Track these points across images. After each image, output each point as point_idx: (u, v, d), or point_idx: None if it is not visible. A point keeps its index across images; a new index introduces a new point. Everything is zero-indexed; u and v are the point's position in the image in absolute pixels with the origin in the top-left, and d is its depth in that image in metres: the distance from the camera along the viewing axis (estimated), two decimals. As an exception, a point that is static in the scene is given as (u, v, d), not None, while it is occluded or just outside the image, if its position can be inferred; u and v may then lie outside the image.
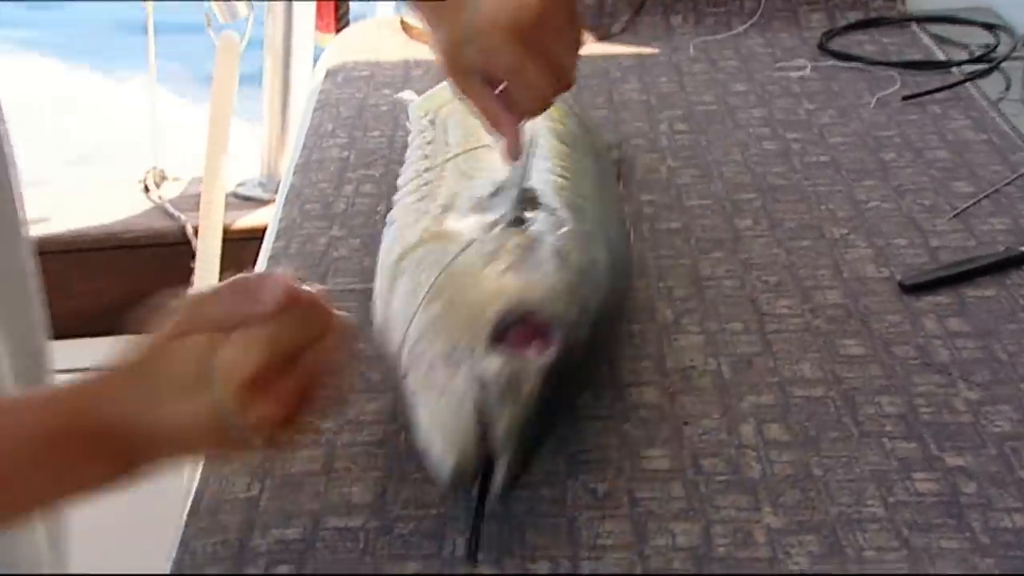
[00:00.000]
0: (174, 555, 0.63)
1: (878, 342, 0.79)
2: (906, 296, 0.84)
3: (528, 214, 0.77)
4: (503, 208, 0.77)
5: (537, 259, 0.71)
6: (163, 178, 1.82)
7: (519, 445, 0.62)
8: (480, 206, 0.79)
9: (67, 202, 1.73)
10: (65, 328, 1.66)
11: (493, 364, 0.63)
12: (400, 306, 0.70)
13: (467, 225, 0.76)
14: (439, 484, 0.62)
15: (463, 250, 0.72)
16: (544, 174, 0.84)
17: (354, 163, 1.08)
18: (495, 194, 0.80)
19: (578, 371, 0.68)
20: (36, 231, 1.64)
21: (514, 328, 0.66)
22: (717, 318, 0.83)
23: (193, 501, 0.67)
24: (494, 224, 0.75)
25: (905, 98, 1.14)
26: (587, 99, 1.18)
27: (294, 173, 1.07)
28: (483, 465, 0.61)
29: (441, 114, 0.97)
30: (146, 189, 1.78)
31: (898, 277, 0.86)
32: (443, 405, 0.62)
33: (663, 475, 0.68)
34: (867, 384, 0.75)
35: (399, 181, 0.89)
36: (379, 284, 0.75)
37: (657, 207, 0.98)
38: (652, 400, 0.74)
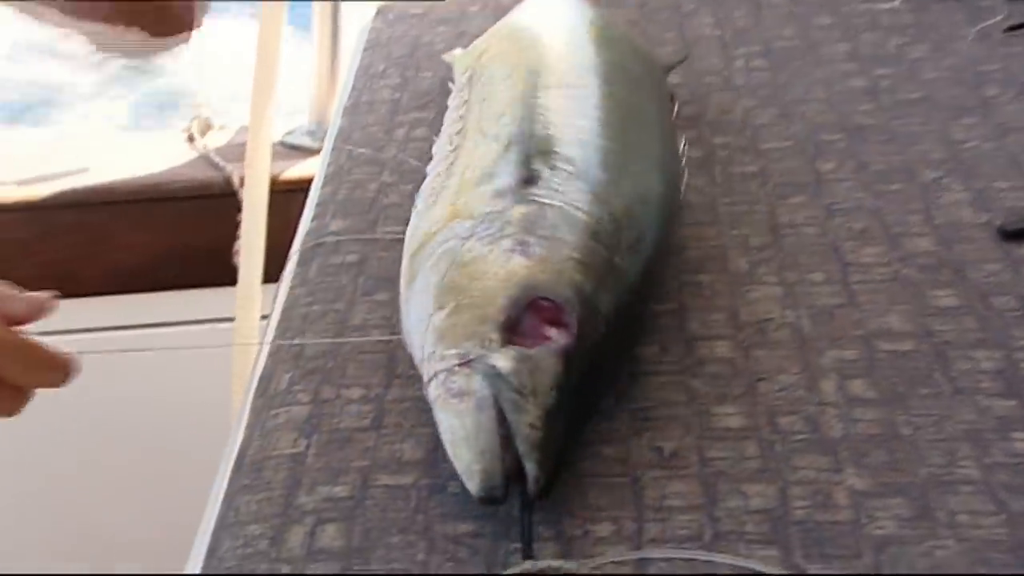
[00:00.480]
0: (217, 511, 0.64)
1: (974, 293, 0.76)
2: (1006, 243, 0.81)
3: (542, 170, 0.74)
4: (511, 169, 0.74)
5: (544, 229, 0.69)
6: (208, 126, 1.83)
7: (545, 446, 0.60)
8: (491, 171, 0.76)
9: (107, 152, 1.75)
10: (105, 284, 1.70)
11: (505, 361, 0.62)
12: (416, 311, 0.68)
13: (478, 200, 0.73)
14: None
15: (470, 234, 0.70)
16: (560, 113, 0.81)
17: (406, 105, 1.07)
18: (505, 152, 0.77)
19: (610, 348, 0.67)
20: (74, 182, 1.67)
21: (525, 317, 0.64)
22: (796, 268, 0.81)
23: (237, 457, 0.68)
24: (503, 192, 0.73)
25: (1008, 29, 1.10)
26: (655, 34, 1.16)
27: (342, 116, 1.07)
28: (515, 473, 0.60)
29: (478, 68, 0.94)
30: (190, 138, 1.80)
31: (997, 223, 0.83)
32: (463, 415, 0.61)
33: (735, 433, 0.66)
34: (961, 337, 0.72)
35: (433, 149, 0.87)
36: (401, 288, 0.72)
37: (731, 150, 0.96)
38: (724, 355, 0.73)
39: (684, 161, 0.85)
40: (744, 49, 1.12)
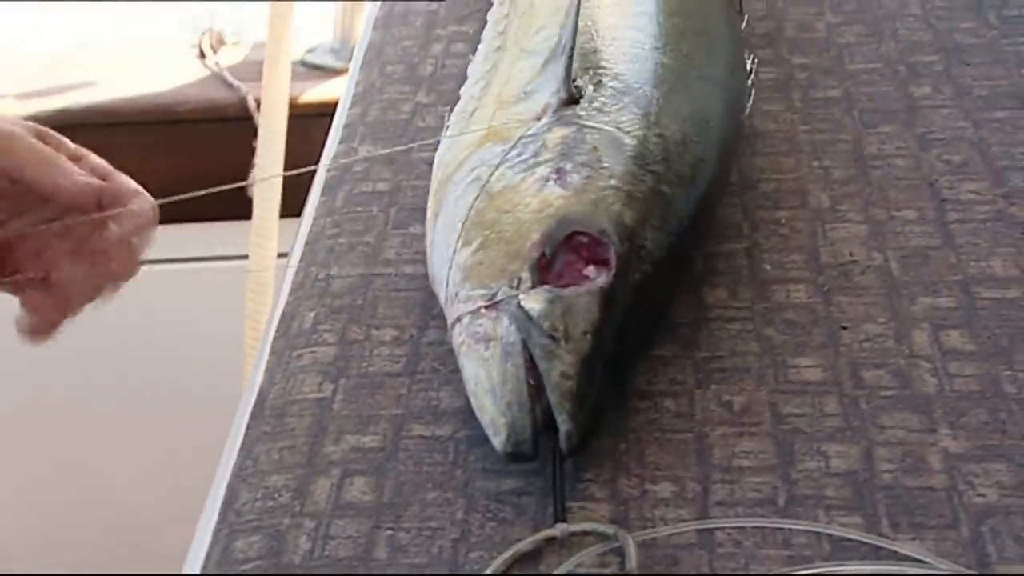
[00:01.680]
0: (234, 461, 0.64)
1: (1090, 235, 0.74)
2: None
3: (585, 87, 0.73)
4: (552, 86, 0.73)
5: (584, 154, 0.67)
6: (221, 42, 1.82)
7: (579, 397, 0.59)
8: (528, 90, 0.75)
9: (113, 65, 1.74)
10: (107, 215, 1.70)
11: (536, 302, 0.61)
12: (441, 247, 0.67)
13: (513, 122, 0.72)
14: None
15: (502, 161, 0.68)
16: (607, 23, 0.79)
17: (444, 17, 1.06)
18: (544, 68, 0.76)
19: (657, 289, 0.65)
20: (79, 98, 1.67)
21: (561, 253, 0.63)
22: (885, 204, 0.79)
23: (256, 401, 0.68)
24: (540, 113, 0.71)
25: None
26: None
27: (373, 28, 1.05)
28: (545, 427, 0.59)
29: None
30: (201, 54, 1.78)
31: (1118, 157, 0.80)
32: (488, 363, 0.60)
33: (814, 388, 0.65)
34: (1075, 286, 0.71)
35: (468, 69, 0.86)
36: (427, 223, 0.71)
37: (812, 72, 0.93)
38: (802, 300, 0.72)
39: (752, 82, 0.83)
40: (828, -42, 1.09)
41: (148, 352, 1.71)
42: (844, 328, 0.69)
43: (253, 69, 1.70)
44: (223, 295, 1.56)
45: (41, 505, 1.78)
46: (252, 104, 1.65)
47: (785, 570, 0.55)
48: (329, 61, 1.79)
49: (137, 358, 1.72)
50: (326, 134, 0.95)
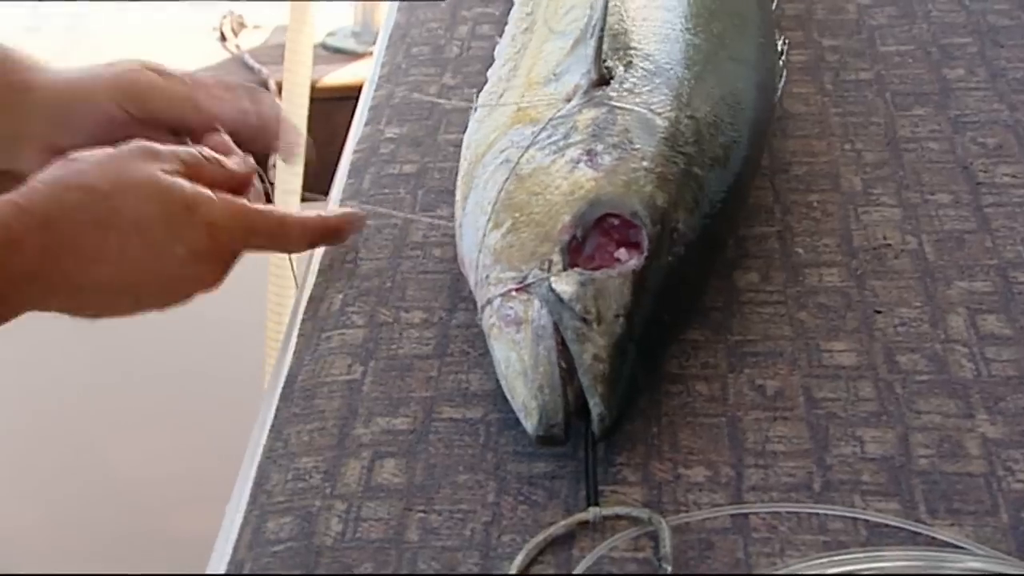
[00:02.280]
0: (263, 442, 0.64)
1: None
2: None
3: (616, 67, 0.72)
4: (582, 67, 0.72)
5: (615, 136, 0.67)
6: (242, 25, 1.82)
7: (611, 381, 0.59)
8: (558, 70, 0.74)
9: (132, 48, 1.75)
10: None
11: (568, 285, 0.60)
12: (470, 230, 0.67)
13: (543, 103, 0.71)
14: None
15: (532, 142, 0.68)
16: (638, 3, 0.78)
17: (469, 0, 1.05)
18: (574, 48, 0.75)
19: (690, 271, 0.65)
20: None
21: (592, 236, 0.63)
22: (919, 187, 0.78)
23: (286, 383, 0.67)
24: (571, 94, 0.71)
25: None
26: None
27: (399, 10, 1.05)
28: (577, 410, 0.59)
29: None
30: (222, 37, 1.79)
31: None
32: (519, 346, 0.60)
33: (849, 372, 0.65)
34: (1113, 270, 0.70)
35: (496, 51, 0.85)
36: (456, 205, 0.71)
37: (843, 54, 0.93)
38: (835, 284, 0.71)
39: (784, 63, 0.82)
40: (859, -61, 1.08)
41: (164, 336, 1.72)
42: (878, 312, 0.69)
43: (274, 52, 1.70)
44: (242, 278, 1.56)
45: (55, 490, 1.79)
46: (273, 87, 1.65)
47: (822, 553, 0.54)
48: (350, 44, 1.79)
49: (154, 342, 1.73)
50: (348, 117, 0.95)
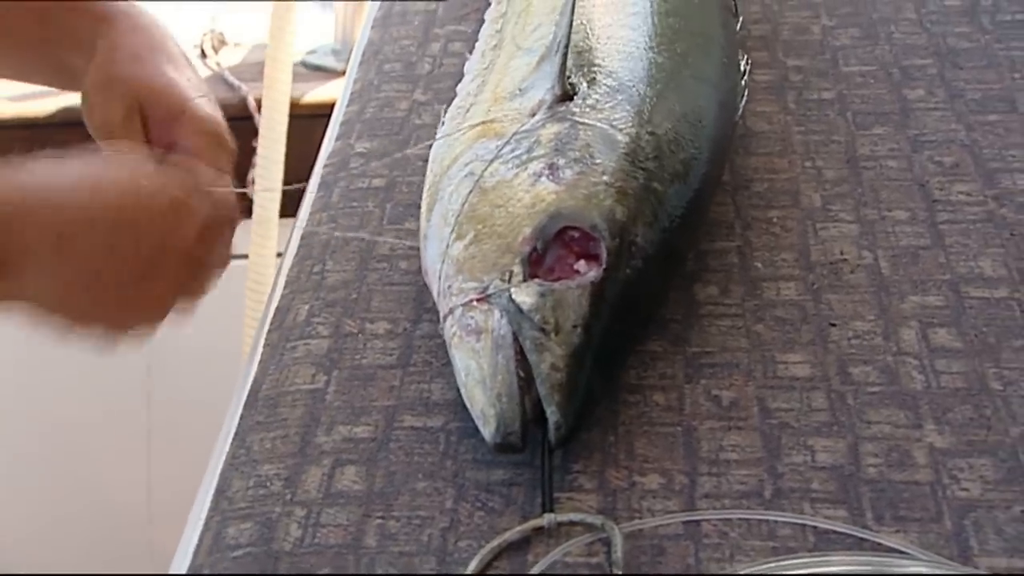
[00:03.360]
0: (227, 449, 0.64)
1: (1078, 237, 0.75)
2: (1117, 183, 0.79)
3: (579, 84, 0.73)
4: (547, 82, 0.73)
5: (576, 150, 0.68)
6: (222, 42, 1.83)
7: (568, 390, 0.60)
8: (523, 86, 0.76)
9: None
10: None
11: (527, 296, 0.62)
12: (435, 241, 0.68)
13: (507, 118, 0.73)
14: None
15: (496, 155, 0.69)
16: (603, 22, 0.79)
17: (442, 17, 1.07)
18: (539, 65, 0.76)
19: (648, 284, 0.66)
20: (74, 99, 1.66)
21: (552, 248, 0.64)
22: (876, 204, 0.79)
23: (250, 392, 0.68)
24: (535, 109, 0.72)
25: None
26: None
27: (372, 27, 1.06)
28: (534, 419, 0.60)
29: None
30: (202, 54, 1.79)
31: (1108, 160, 0.81)
32: (479, 355, 0.61)
33: (802, 383, 0.66)
34: (1062, 286, 0.71)
35: (465, 67, 0.87)
36: (421, 217, 0.72)
37: (807, 74, 0.94)
38: (791, 297, 0.72)
39: (746, 82, 0.84)
40: (825, -38, 1.10)
41: (143, 349, 1.72)
42: (833, 325, 0.70)
43: (254, 70, 1.71)
44: (221, 293, 1.57)
45: (35, 502, 1.79)
46: (252, 104, 1.66)
47: (770, 559, 0.55)
48: (330, 62, 1.80)
49: (132, 355, 1.73)
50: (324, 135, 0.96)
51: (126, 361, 1.71)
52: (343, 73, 1.79)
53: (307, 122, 1.60)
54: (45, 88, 1.67)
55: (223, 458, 0.64)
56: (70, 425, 1.76)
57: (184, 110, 0.70)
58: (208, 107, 0.72)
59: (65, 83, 0.79)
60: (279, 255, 1.52)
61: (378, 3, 1.11)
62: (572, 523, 0.58)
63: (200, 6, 1.86)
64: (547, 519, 0.58)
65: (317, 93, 1.72)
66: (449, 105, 0.82)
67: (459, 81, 0.86)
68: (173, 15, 1.89)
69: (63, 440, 1.77)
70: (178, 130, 0.70)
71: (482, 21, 0.95)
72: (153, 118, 0.70)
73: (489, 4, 0.96)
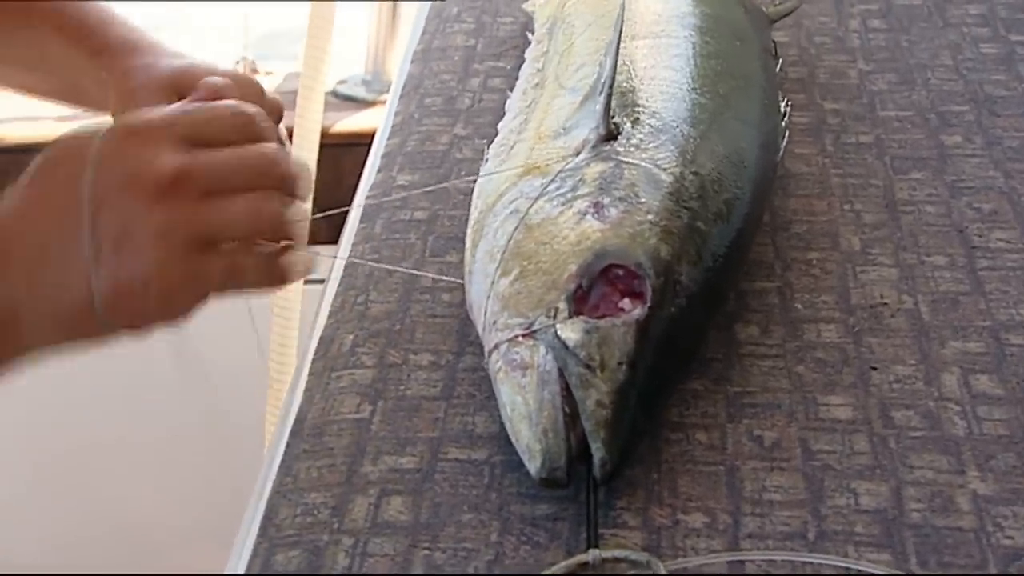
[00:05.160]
0: (273, 477, 0.65)
1: (1118, 286, 0.75)
2: None
3: (623, 123, 0.74)
4: (591, 122, 0.74)
5: (621, 189, 0.69)
6: (255, 71, 1.85)
7: (614, 426, 0.61)
8: (567, 125, 0.77)
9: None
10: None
11: (573, 332, 0.62)
12: (480, 277, 0.69)
13: (552, 156, 0.74)
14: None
15: (541, 194, 0.70)
16: (646, 63, 0.81)
17: (481, 53, 1.08)
18: (583, 104, 0.77)
19: (692, 322, 0.67)
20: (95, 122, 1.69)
21: (597, 285, 0.65)
22: (915, 249, 0.80)
23: (296, 420, 0.69)
24: (579, 148, 0.73)
25: None
26: (762, -13, 1.15)
27: (412, 61, 1.08)
28: (579, 454, 0.61)
29: (560, 17, 0.94)
30: (236, 82, 1.81)
31: None
32: (525, 390, 0.62)
33: (844, 426, 0.66)
34: (1103, 335, 0.72)
35: (507, 105, 0.88)
36: (466, 253, 0.73)
37: (844, 117, 0.95)
38: (833, 340, 0.73)
39: (786, 123, 0.85)
40: (861, 7, 1.11)
41: (163, 371, 1.73)
42: (874, 369, 0.70)
43: (286, 99, 1.72)
44: (244, 317, 1.58)
45: (52, 523, 1.79)
46: (284, 133, 1.67)
47: (816, 602, 0.56)
48: (360, 92, 1.82)
49: (152, 377, 1.74)
50: (356, 163, 0.97)
51: (141, 376, 1.72)
52: (373, 103, 1.81)
53: (336, 150, 1.62)
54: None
55: (269, 485, 0.65)
56: (84, 444, 1.77)
57: (222, 75, 0.68)
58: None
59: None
60: (307, 282, 1.54)
61: (417, 37, 1.12)
62: (616, 559, 0.58)
63: (234, 35, 1.89)
64: (592, 555, 0.58)
65: (347, 123, 1.74)
66: (492, 142, 0.83)
67: (499, 117, 0.87)
68: (206, 44, 1.92)
69: (76, 461, 1.78)
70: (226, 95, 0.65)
71: (521, 58, 0.96)
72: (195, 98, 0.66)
73: (528, 43, 0.97)
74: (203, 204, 0.59)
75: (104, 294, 0.57)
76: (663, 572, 0.57)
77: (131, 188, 0.57)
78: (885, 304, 0.75)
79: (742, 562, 0.58)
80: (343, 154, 1.59)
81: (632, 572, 0.58)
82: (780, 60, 0.95)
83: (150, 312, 0.59)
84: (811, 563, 0.58)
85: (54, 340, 0.60)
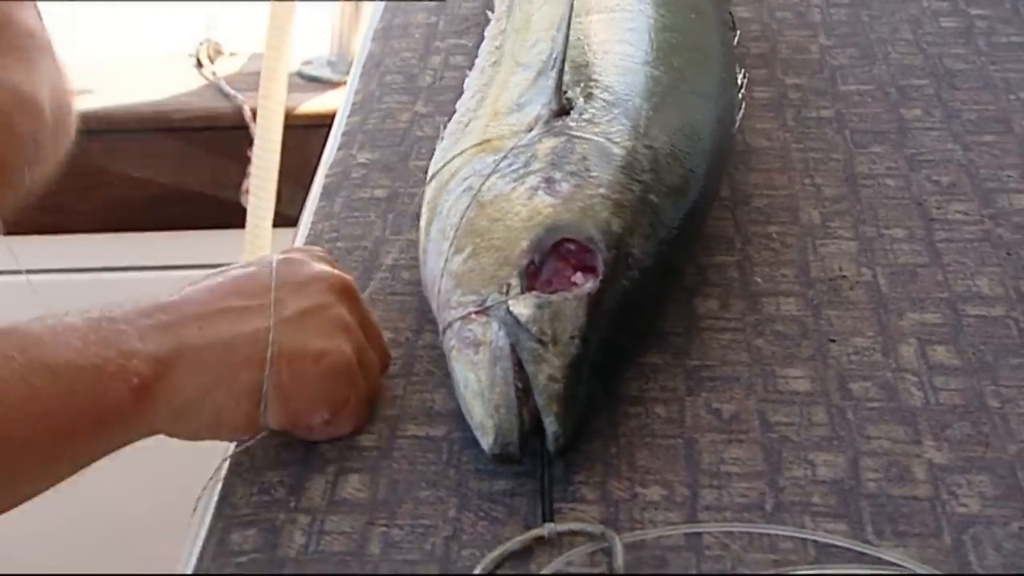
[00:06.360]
0: (231, 455, 0.65)
1: (1074, 257, 0.76)
2: (1112, 204, 0.80)
3: (576, 98, 0.74)
4: (544, 97, 0.74)
5: (573, 164, 0.69)
6: (219, 52, 1.83)
7: (566, 400, 0.61)
8: (520, 101, 0.76)
9: (110, 74, 1.75)
10: (99, 221, 1.70)
11: (525, 308, 0.62)
12: (433, 254, 0.69)
13: (505, 133, 0.73)
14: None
15: (493, 170, 0.70)
16: (600, 37, 0.80)
17: (443, 30, 1.07)
18: (537, 80, 0.77)
19: (645, 296, 0.67)
20: (77, 105, 1.67)
21: (549, 260, 0.65)
22: (875, 222, 0.80)
23: (252, 399, 0.68)
24: (532, 123, 0.73)
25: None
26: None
27: (373, 39, 1.07)
28: (533, 429, 0.61)
29: None
30: (199, 63, 1.80)
31: (1103, 181, 0.82)
32: (477, 367, 0.62)
33: (802, 398, 0.67)
34: (1058, 305, 0.72)
35: (465, 84, 0.87)
36: (420, 231, 0.73)
37: (805, 92, 0.95)
38: (792, 313, 0.73)
39: (743, 97, 0.85)
40: (823, -18, 1.11)
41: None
42: (832, 341, 0.71)
43: (250, 80, 1.71)
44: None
45: (34, 508, 1.78)
46: (248, 114, 1.66)
47: (771, 571, 0.56)
48: (326, 73, 1.80)
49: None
50: (322, 144, 0.96)
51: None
52: (338, 84, 1.80)
53: (302, 132, 1.60)
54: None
55: (226, 465, 0.64)
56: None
57: None
58: None
59: None
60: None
61: (379, 15, 1.12)
62: (574, 533, 0.58)
63: (196, 15, 1.87)
64: (547, 528, 0.58)
65: (312, 104, 1.72)
66: (449, 120, 0.82)
67: (460, 95, 0.87)
68: (168, 24, 1.90)
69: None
70: None
71: (482, 36, 0.95)
72: None
73: (489, 20, 0.97)
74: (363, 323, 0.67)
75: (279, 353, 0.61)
76: (619, 544, 0.57)
77: (315, 281, 0.65)
78: (844, 277, 0.76)
79: (699, 534, 0.59)
80: (309, 135, 1.57)
81: (589, 545, 0.58)
82: (738, 33, 0.95)
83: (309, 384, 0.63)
84: (768, 534, 0.58)
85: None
